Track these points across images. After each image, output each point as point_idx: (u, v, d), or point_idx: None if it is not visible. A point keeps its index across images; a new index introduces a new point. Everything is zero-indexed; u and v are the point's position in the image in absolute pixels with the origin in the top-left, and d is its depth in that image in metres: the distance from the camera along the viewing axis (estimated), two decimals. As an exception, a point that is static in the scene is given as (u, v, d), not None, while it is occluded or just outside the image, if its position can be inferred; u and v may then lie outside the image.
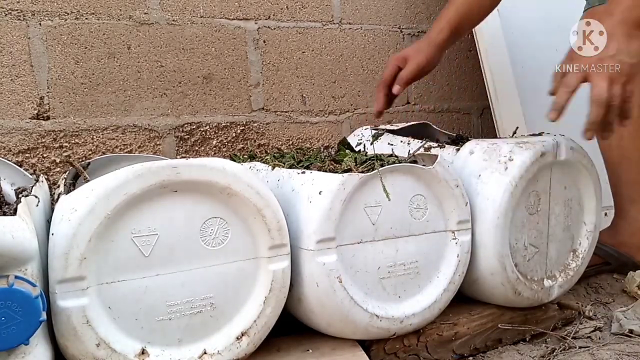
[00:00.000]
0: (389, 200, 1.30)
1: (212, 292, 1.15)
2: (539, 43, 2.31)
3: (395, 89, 1.78)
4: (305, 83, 2.26)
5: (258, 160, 1.62)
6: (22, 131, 1.82)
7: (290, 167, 1.46)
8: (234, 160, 1.66)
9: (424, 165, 1.35)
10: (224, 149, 2.12)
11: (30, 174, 1.51)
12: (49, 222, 1.10)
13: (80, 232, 1.00)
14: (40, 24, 1.82)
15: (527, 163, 1.44)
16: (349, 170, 1.29)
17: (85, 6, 1.88)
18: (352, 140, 1.94)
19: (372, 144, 1.77)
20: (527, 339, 1.57)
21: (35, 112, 1.83)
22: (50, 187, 1.56)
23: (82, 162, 1.57)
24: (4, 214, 1.11)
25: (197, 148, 2.08)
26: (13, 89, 1.80)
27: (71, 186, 1.35)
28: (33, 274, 0.96)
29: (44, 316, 0.93)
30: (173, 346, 1.12)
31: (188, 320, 1.13)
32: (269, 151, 2.19)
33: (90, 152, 1.91)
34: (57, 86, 1.86)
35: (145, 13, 1.96)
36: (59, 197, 1.18)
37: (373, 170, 1.28)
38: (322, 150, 1.84)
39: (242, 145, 2.15)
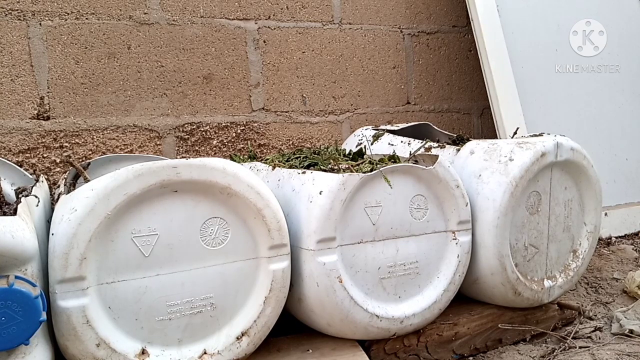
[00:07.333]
0: (391, 187, 1.29)
1: (212, 292, 1.15)
2: (539, 43, 2.31)
3: None
4: (305, 83, 2.26)
5: (259, 160, 1.62)
6: (23, 131, 1.81)
7: (293, 166, 1.46)
8: (234, 160, 1.66)
9: (424, 166, 1.35)
10: (224, 149, 2.12)
11: (30, 174, 1.51)
12: (49, 222, 1.10)
13: (80, 232, 1.00)
14: (40, 24, 1.82)
15: (527, 163, 1.43)
16: (349, 170, 1.29)
17: (85, 6, 1.88)
18: (353, 140, 1.94)
19: (372, 144, 1.77)
20: (527, 339, 1.57)
21: (36, 112, 1.83)
22: (50, 187, 1.56)
23: (82, 162, 1.57)
24: (4, 214, 1.11)
25: (197, 148, 2.08)
26: (13, 89, 1.80)
27: (71, 186, 1.35)
28: (33, 274, 0.96)
29: (44, 316, 0.93)
30: (173, 346, 1.12)
31: (188, 320, 1.13)
32: (269, 151, 2.19)
33: (90, 152, 1.91)
34: (57, 86, 1.86)
35: (145, 13, 1.96)
36: (59, 197, 1.18)
37: (373, 170, 1.29)
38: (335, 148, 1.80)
39: (242, 145, 2.15)
